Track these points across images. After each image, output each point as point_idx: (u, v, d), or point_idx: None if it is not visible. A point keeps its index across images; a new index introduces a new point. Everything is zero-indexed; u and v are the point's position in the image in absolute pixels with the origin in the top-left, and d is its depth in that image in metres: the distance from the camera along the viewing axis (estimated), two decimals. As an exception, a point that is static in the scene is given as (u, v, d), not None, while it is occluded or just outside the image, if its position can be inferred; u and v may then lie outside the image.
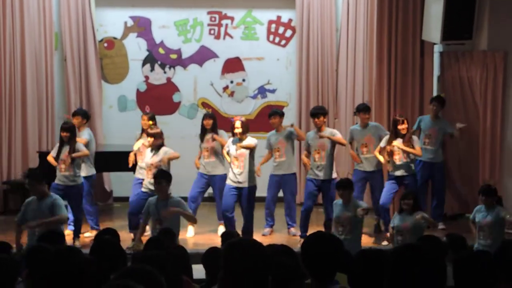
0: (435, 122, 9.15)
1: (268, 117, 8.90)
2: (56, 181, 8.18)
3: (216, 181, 8.80)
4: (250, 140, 8.25)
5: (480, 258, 3.41)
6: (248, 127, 8.38)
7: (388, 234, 8.49)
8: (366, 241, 8.38)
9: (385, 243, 8.40)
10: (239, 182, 8.22)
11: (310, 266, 3.26)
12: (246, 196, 8.25)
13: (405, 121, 8.56)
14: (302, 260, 3.29)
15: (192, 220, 7.72)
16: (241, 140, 8.24)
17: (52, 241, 4.98)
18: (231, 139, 8.36)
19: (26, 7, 10.13)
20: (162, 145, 8.21)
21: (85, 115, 9.01)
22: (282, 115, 8.91)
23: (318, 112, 8.50)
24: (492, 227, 7.16)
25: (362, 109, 8.97)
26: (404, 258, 2.69)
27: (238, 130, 8.19)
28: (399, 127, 8.51)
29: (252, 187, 8.29)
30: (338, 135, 8.57)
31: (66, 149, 8.21)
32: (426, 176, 9.16)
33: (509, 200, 9.07)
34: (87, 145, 8.60)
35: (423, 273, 2.64)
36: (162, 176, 7.29)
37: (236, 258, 2.66)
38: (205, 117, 9.01)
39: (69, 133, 8.22)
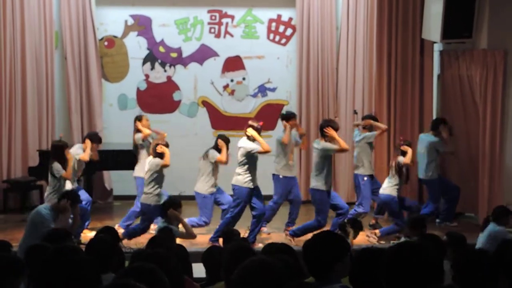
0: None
1: (288, 119, 8.64)
2: None
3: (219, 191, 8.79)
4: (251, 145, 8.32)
5: (479, 256, 3.41)
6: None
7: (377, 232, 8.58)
8: (360, 238, 8.37)
9: (373, 240, 8.46)
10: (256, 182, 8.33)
11: (312, 265, 3.27)
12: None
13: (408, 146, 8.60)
14: (305, 260, 3.29)
15: (189, 237, 7.52)
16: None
17: (57, 239, 4.97)
18: (252, 144, 8.24)
19: (26, 5, 10.13)
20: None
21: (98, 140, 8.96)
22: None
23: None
24: None
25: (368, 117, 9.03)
26: (400, 256, 2.70)
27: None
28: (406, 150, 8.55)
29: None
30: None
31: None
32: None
33: (510, 200, 9.08)
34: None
35: (418, 271, 2.64)
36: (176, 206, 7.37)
37: (251, 281, 2.65)
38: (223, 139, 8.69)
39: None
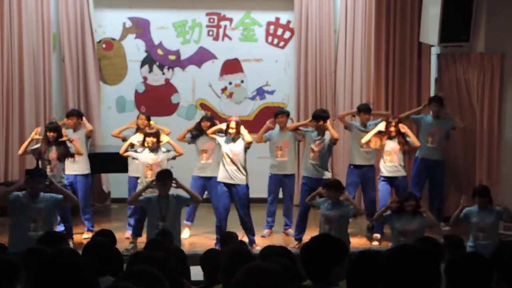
0: (437, 121, 9.21)
1: (275, 116, 8.93)
2: None
3: (213, 184, 8.78)
4: (241, 142, 8.26)
5: (474, 261, 3.41)
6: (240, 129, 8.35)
7: (377, 236, 8.58)
8: (357, 241, 8.39)
9: (375, 243, 8.49)
10: (233, 180, 8.20)
11: (311, 268, 3.27)
12: (244, 194, 8.25)
13: (392, 123, 8.61)
14: (302, 263, 3.30)
15: (196, 200, 7.71)
16: (233, 140, 8.24)
17: (51, 242, 4.97)
18: (224, 138, 8.32)
19: (24, 7, 10.12)
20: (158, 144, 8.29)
21: (80, 114, 9.00)
22: (288, 114, 9.01)
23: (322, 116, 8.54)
24: (495, 227, 7.22)
25: (363, 109, 9.04)
26: (398, 259, 2.70)
27: (232, 130, 8.18)
28: (390, 128, 8.60)
29: (247, 185, 8.30)
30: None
31: (52, 150, 8.17)
32: (425, 175, 9.19)
33: (508, 203, 9.07)
34: (89, 135, 8.86)
35: (416, 273, 2.65)
36: (168, 176, 7.35)
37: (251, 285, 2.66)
38: (204, 119, 8.96)
39: (55, 133, 8.16)
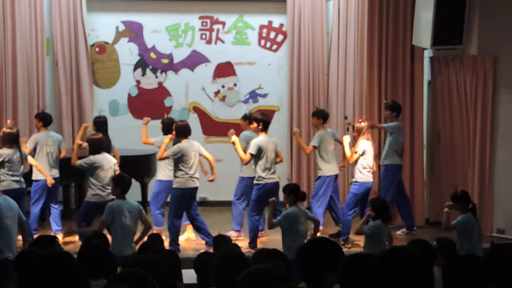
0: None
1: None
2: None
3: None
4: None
5: (470, 262, 3.43)
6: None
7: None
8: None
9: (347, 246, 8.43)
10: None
11: (306, 270, 3.28)
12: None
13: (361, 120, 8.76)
14: (299, 264, 3.31)
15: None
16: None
17: (44, 245, 4.97)
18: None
19: (17, 11, 10.10)
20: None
21: (43, 119, 8.87)
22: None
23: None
24: (461, 233, 6.92)
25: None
26: (390, 262, 2.71)
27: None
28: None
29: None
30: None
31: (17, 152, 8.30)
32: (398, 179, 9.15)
33: (500, 206, 9.12)
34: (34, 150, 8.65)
35: (409, 276, 2.66)
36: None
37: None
38: None
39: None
